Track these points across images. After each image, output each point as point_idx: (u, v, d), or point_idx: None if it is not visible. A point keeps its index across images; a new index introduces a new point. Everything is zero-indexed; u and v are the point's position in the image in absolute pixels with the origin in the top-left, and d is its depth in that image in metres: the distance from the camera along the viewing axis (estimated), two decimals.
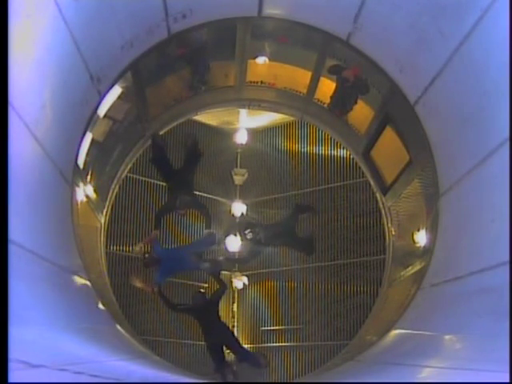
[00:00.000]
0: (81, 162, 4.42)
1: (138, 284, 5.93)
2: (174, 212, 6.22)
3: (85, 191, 4.79)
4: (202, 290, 6.56)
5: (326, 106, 6.25)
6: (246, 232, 6.24)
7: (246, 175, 7.72)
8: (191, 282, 7.18)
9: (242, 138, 7.83)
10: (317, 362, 6.79)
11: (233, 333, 6.46)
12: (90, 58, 3.59)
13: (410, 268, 5.13)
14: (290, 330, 7.14)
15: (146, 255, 5.92)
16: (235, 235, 7.41)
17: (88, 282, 4.22)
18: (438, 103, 4.02)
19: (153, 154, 6.11)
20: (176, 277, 6.90)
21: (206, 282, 7.30)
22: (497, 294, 2.68)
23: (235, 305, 7.44)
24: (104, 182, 5.75)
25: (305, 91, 6.17)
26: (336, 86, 5.87)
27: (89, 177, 4.94)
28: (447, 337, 3.14)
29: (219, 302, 6.06)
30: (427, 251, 4.50)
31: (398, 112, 5.01)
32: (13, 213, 2.32)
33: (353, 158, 6.85)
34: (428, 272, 4.28)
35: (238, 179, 7.70)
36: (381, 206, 6.24)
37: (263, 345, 7.24)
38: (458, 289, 3.41)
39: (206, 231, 6.30)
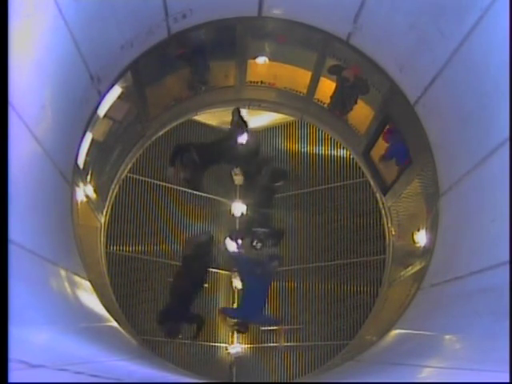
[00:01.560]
0: (81, 162, 4.43)
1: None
2: (184, 157, 6.03)
3: (85, 191, 4.79)
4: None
5: (325, 106, 6.26)
6: (254, 244, 6.26)
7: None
8: None
9: (242, 138, 7.82)
10: (317, 362, 6.78)
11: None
12: (89, 57, 3.59)
13: (410, 268, 5.13)
14: (289, 330, 7.14)
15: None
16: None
17: (88, 282, 4.22)
18: (438, 103, 4.02)
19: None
20: None
21: (206, 283, 7.29)
22: (497, 294, 2.68)
23: (235, 305, 7.42)
24: (104, 182, 5.76)
25: (305, 91, 6.17)
26: (336, 86, 5.87)
27: (89, 177, 4.94)
28: (447, 337, 3.13)
29: None
30: (427, 251, 4.50)
31: (398, 112, 5.01)
32: (13, 213, 2.32)
33: (353, 158, 6.84)
34: (428, 272, 4.28)
35: (238, 179, 7.68)
36: (381, 205, 6.24)
37: (263, 345, 7.23)
38: (458, 289, 3.41)
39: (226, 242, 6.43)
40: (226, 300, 7.42)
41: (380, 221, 6.33)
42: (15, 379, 1.64)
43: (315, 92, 6.10)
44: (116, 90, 4.74)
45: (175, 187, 6.90)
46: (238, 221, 7.58)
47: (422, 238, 4.88)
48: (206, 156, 6.07)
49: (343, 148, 7.03)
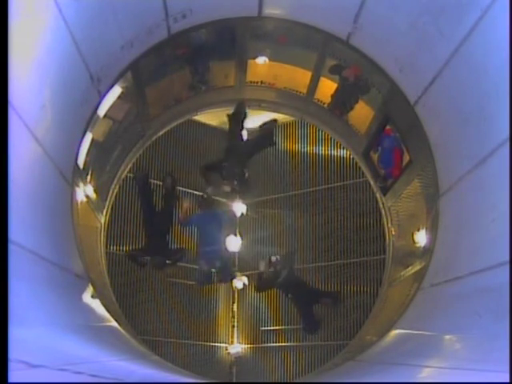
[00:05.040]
0: (81, 162, 4.42)
1: (185, 206, 6.20)
2: (224, 171, 6.33)
3: (85, 191, 4.79)
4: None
5: (326, 105, 6.26)
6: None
7: (246, 175, 7.70)
8: (191, 282, 7.18)
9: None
10: (317, 362, 6.78)
11: None
12: (90, 58, 3.59)
13: (410, 268, 5.13)
14: (289, 330, 7.14)
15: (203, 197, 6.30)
16: (235, 235, 7.44)
17: (88, 282, 4.22)
18: (438, 103, 4.02)
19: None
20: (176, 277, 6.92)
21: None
22: (497, 294, 2.68)
23: (235, 305, 7.43)
24: (104, 181, 5.75)
25: (305, 91, 6.17)
26: (337, 86, 5.87)
27: (89, 177, 4.94)
28: (447, 337, 3.14)
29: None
30: (427, 251, 4.50)
31: (398, 112, 5.01)
32: (13, 213, 2.32)
33: (353, 158, 6.84)
34: (428, 272, 4.28)
35: None
36: (381, 205, 6.24)
37: (263, 345, 7.23)
38: (457, 289, 3.41)
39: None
40: (226, 300, 7.43)
41: (380, 221, 6.33)
42: (15, 379, 1.64)
43: (315, 92, 6.10)
44: (116, 90, 4.74)
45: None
46: (238, 221, 7.59)
47: (422, 237, 4.88)
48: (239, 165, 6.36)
49: (343, 148, 7.03)
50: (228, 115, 6.55)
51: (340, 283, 6.93)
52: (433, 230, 4.40)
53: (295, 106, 6.55)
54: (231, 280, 6.81)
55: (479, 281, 3.05)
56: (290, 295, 6.37)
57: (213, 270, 6.41)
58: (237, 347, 7.23)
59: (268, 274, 6.34)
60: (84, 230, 4.68)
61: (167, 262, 6.27)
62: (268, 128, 6.79)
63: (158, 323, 6.86)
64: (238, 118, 6.44)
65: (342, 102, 6.04)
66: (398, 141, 5.33)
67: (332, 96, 6.02)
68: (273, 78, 6.22)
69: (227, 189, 6.52)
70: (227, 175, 6.29)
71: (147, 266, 6.40)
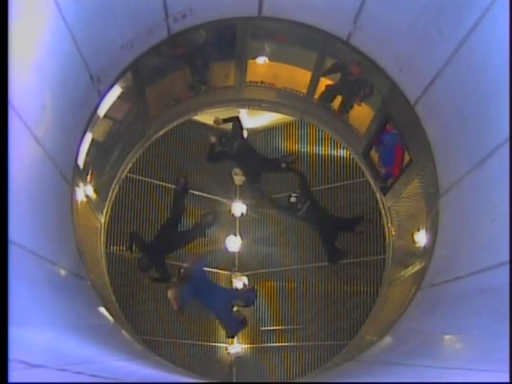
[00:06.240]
0: (81, 162, 4.43)
1: (170, 295, 5.91)
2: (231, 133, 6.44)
3: (85, 191, 4.79)
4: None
5: (326, 105, 6.26)
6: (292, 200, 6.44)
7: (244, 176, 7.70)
8: None
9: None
10: (317, 362, 6.78)
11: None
12: (90, 58, 3.60)
13: (410, 268, 5.13)
14: (289, 330, 7.14)
15: (182, 270, 6.12)
16: (235, 235, 7.45)
17: (88, 282, 4.23)
18: (438, 103, 4.02)
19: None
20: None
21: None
22: (497, 294, 2.68)
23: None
24: (104, 181, 5.75)
25: (305, 91, 6.17)
26: (337, 81, 5.86)
27: (89, 177, 4.94)
28: (447, 337, 3.14)
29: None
30: (427, 251, 4.50)
31: (398, 112, 5.01)
32: (13, 213, 2.32)
33: (353, 158, 6.84)
34: (428, 272, 4.28)
35: (238, 179, 7.68)
36: (381, 206, 6.24)
37: (263, 345, 7.24)
38: (458, 289, 3.41)
39: None
40: None
41: (380, 221, 6.33)
42: (15, 379, 1.64)
43: (315, 92, 6.10)
44: (116, 90, 4.74)
45: (175, 187, 6.90)
46: (238, 221, 7.59)
47: (422, 238, 4.88)
48: (237, 154, 6.45)
49: (343, 148, 7.03)
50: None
51: (340, 283, 6.93)
52: (433, 230, 4.40)
53: (295, 106, 6.55)
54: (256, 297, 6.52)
55: (479, 281, 3.05)
56: (314, 226, 6.59)
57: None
58: (237, 347, 7.23)
59: (290, 206, 6.49)
60: (84, 230, 4.68)
61: (151, 270, 6.29)
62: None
63: (158, 323, 6.86)
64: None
65: (342, 101, 6.05)
66: (399, 138, 5.33)
67: (327, 85, 5.99)
68: (273, 78, 6.21)
69: (212, 139, 6.46)
70: (227, 138, 6.41)
71: (133, 258, 6.35)
